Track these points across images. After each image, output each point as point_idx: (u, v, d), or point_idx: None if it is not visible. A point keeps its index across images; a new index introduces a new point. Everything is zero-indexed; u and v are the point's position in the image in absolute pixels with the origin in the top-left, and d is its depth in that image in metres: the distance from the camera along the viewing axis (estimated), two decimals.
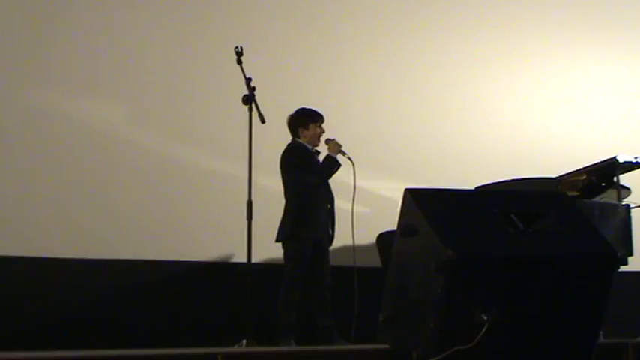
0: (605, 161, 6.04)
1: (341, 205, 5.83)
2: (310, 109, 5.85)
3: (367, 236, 6.18)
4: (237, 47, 5.17)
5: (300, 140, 5.80)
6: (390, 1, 7.41)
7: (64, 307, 5.81)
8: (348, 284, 5.59)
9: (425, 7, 7.56)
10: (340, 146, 5.77)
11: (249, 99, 5.12)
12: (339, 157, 5.77)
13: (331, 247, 5.83)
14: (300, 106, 5.87)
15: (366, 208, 6.73)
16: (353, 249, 5.64)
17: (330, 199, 5.78)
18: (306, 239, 5.62)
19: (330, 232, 5.75)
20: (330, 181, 5.81)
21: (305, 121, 5.80)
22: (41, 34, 6.17)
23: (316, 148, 5.83)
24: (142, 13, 6.51)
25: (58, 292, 5.80)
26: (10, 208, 5.83)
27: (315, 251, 5.65)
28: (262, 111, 5.09)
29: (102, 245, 6.00)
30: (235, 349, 4.87)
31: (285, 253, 5.68)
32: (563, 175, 6.20)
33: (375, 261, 6.02)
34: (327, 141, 5.80)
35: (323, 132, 5.82)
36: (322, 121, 5.82)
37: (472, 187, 5.94)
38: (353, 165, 5.70)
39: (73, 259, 5.87)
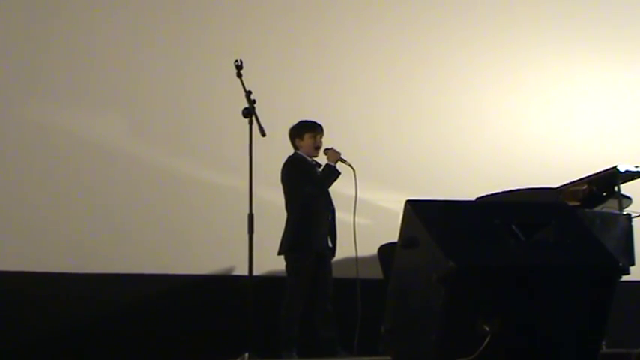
0: (605, 171, 6.04)
1: (343, 217, 5.83)
2: (308, 120, 5.87)
3: (369, 248, 6.18)
4: (236, 60, 5.17)
5: (299, 152, 5.82)
6: (388, 11, 7.41)
7: (65, 322, 5.81)
8: (350, 296, 5.58)
9: (423, 18, 7.57)
10: (339, 154, 5.77)
11: (249, 112, 5.12)
12: (340, 166, 5.77)
13: (334, 259, 5.83)
14: (298, 119, 5.90)
15: (367, 220, 6.72)
16: (356, 259, 5.64)
17: (331, 210, 5.78)
18: (307, 251, 5.63)
19: (331, 244, 5.75)
20: (331, 192, 5.82)
21: (300, 131, 5.83)
22: (41, 47, 6.19)
23: (316, 160, 5.84)
24: (142, 26, 6.53)
25: (58, 307, 5.80)
26: (10, 222, 5.84)
27: (316, 263, 5.65)
28: (262, 124, 5.09)
29: (102, 259, 6.00)
30: None
31: (286, 266, 5.68)
32: (564, 185, 6.19)
33: (376, 273, 6.01)
34: (326, 150, 5.81)
35: (320, 143, 5.82)
36: (320, 132, 5.83)
37: (473, 198, 5.94)
38: (354, 171, 5.70)
39: (74, 273, 5.87)
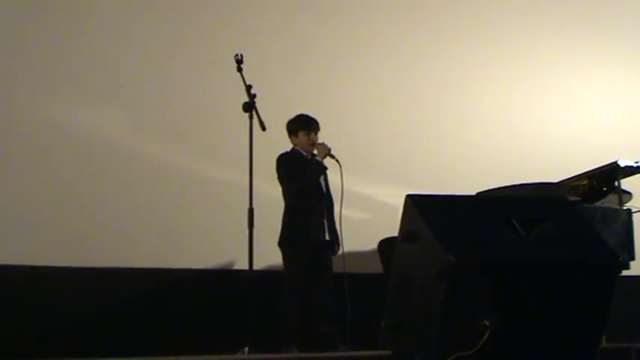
0: (606, 166, 6.04)
1: (345, 212, 5.79)
2: (303, 117, 5.86)
3: (369, 242, 6.18)
4: (237, 55, 5.18)
5: (296, 147, 5.82)
6: (387, 6, 7.41)
7: (65, 315, 5.81)
8: (353, 290, 5.58)
9: (422, 12, 7.56)
10: (329, 149, 5.76)
11: (249, 106, 5.12)
12: (328, 161, 5.76)
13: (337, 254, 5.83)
14: (298, 113, 5.89)
15: (367, 214, 6.74)
16: (342, 253, 5.65)
17: (327, 204, 5.77)
18: (300, 245, 5.63)
19: (328, 237, 5.74)
20: (332, 187, 5.81)
21: (294, 128, 5.84)
22: (43, 42, 6.18)
23: (315, 153, 5.83)
24: (143, 21, 6.53)
25: (59, 301, 5.80)
26: (9, 215, 5.83)
27: (314, 257, 5.65)
28: (263, 118, 5.09)
29: (103, 253, 6.00)
30: (238, 356, 4.87)
31: (283, 260, 5.69)
32: (565, 180, 6.20)
33: (377, 267, 6.01)
34: (317, 145, 5.80)
35: (315, 140, 5.80)
36: (314, 129, 5.82)
37: (473, 193, 5.94)
38: (340, 166, 5.67)
39: (74, 267, 5.87)
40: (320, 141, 5.81)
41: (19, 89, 6.08)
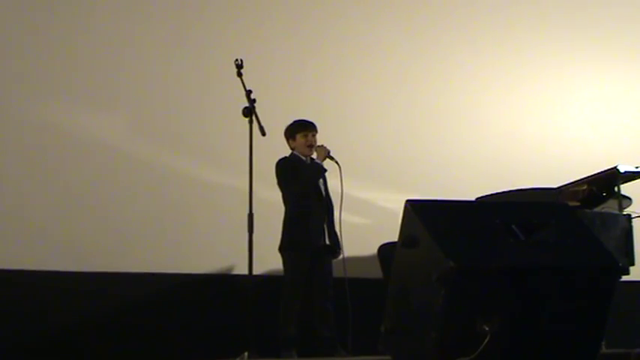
0: (606, 171, 6.04)
1: (345, 217, 5.79)
2: (299, 120, 5.87)
3: (369, 247, 6.18)
4: (237, 60, 5.18)
5: (295, 152, 5.83)
6: (388, 10, 7.41)
7: (64, 320, 5.80)
8: (352, 295, 5.58)
9: (422, 17, 7.56)
10: (328, 151, 5.77)
11: (249, 111, 5.12)
12: (328, 163, 5.76)
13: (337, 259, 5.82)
14: (297, 118, 5.89)
15: (367, 220, 6.74)
16: (343, 257, 5.64)
17: (327, 209, 5.77)
18: (300, 250, 5.63)
19: (328, 241, 5.73)
20: (332, 192, 5.81)
21: (292, 131, 5.85)
22: (39, 45, 6.18)
23: (314, 157, 5.82)
24: (142, 25, 6.53)
25: (58, 306, 5.78)
26: (9, 219, 5.83)
27: (314, 262, 5.64)
28: (263, 123, 5.09)
29: (102, 258, 6.00)
30: None
31: (283, 265, 5.69)
32: (564, 186, 6.20)
33: (376, 272, 6.01)
34: (316, 147, 5.81)
35: (312, 141, 5.81)
36: (311, 130, 5.82)
37: (473, 198, 5.94)
38: (339, 167, 5.68)
39: (73, 272, 5.86)
40: (319, 143, 5.82)
41: (19, 92, 6.08)
